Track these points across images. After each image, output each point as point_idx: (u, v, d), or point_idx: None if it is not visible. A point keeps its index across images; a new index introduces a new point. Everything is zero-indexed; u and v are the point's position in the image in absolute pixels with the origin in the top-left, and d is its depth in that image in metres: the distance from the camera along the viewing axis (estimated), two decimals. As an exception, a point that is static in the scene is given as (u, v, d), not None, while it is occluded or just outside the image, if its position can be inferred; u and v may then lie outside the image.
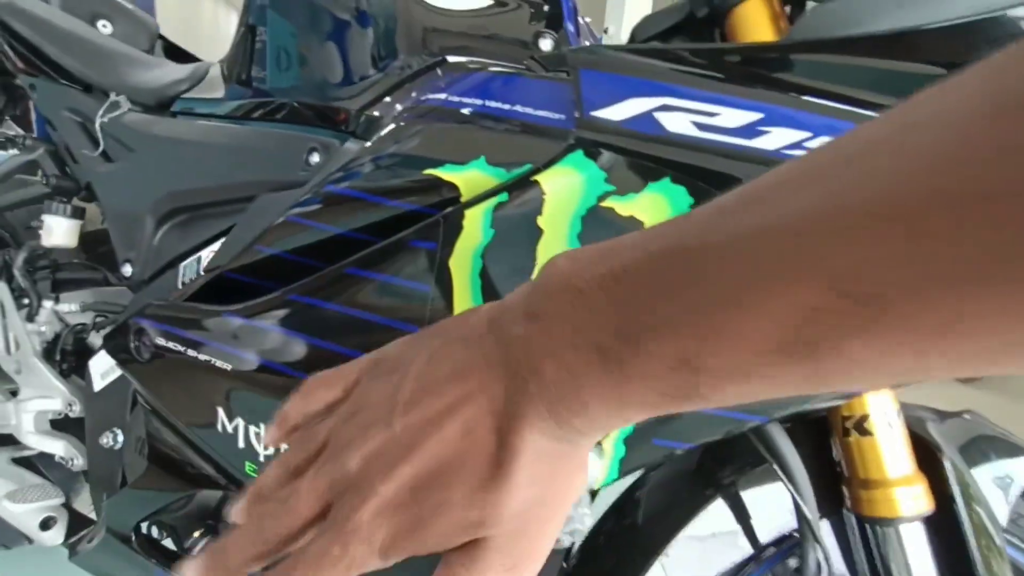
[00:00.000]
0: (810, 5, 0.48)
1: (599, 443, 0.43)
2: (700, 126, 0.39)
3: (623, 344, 0.20)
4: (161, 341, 0.57)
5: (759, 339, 0.18)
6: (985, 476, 0.54)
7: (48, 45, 0.83)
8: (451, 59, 0.55)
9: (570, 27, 0.57)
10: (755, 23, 0.51)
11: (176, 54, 1.14)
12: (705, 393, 0.20)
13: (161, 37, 1.14)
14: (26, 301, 0.82)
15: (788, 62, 0.39)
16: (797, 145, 0.38)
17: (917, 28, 0.36)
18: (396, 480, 0.23)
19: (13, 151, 0.88)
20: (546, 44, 0.55)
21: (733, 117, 0.39)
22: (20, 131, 1.05)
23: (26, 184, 0.88)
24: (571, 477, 0.25)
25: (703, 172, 0.39)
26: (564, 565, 0.57)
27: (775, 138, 0.38)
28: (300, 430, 0.30)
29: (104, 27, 1.03)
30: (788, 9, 0.54)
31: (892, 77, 0.38)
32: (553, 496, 0.24)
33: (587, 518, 0.33)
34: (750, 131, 0.38)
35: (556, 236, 0.42)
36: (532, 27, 0.56)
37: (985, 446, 0.56)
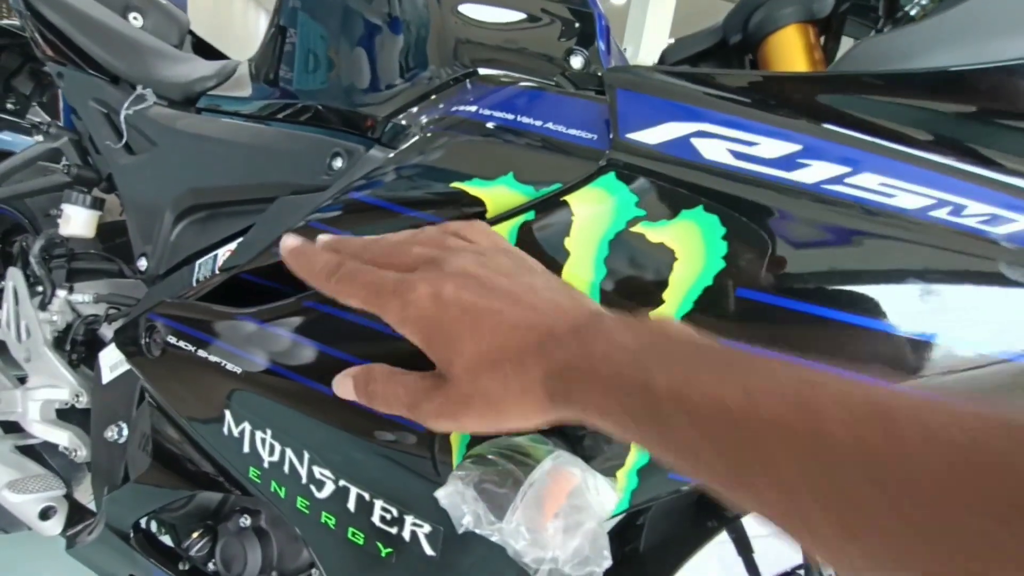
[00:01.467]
0: (851, 40, 0.48)
1: (613, 474, 0.42)
2: (737, 155, 0.38)
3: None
4: (172, 339, 0.57)
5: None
6: None
7: (78, 34, 0.83)
8: (482, 71, 0.55)
9: (602, 46, 0.56)
10: (789, 52, 0.50)
11: (206, 51, 1.15)
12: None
13: (191, 33, 1.15)
14: (40, 289, 0.82)
15: (832, 94, 0.38)
16: (837, 180, 0.37)
17: (966, 67, 0.35)
18: (473, 269, 0.34)
19: (38, 137, 0.88)
20: (577, 61, 0.54)
21: (772, 148, 0.38)
22: (47, 118, 1.05)
23: (48, 172, 0.88)
24: (523, 406, 0.31)
25: (738, 202, 0.38)
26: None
27: (814, 172, 0.37)
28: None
29: (135, 20, 1.03)
30: (823, 39, 0.54)
31: (938, 116, 0.36)
32: (505, 405, 0.32)
33: (605, 561, 0.32)
34: (789, 163, 0.37)
35: (583, 258, 0.41)
36: (564, 44, 0.55)
37: None
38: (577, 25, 0.56)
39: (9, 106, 1.16)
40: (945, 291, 0.35)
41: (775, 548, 0.52)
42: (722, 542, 0.56)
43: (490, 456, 0.36)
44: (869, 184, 0.36)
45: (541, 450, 0.37)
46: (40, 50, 0.85)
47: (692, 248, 0.38)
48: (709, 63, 0.59)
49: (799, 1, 0.50)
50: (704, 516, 0.56)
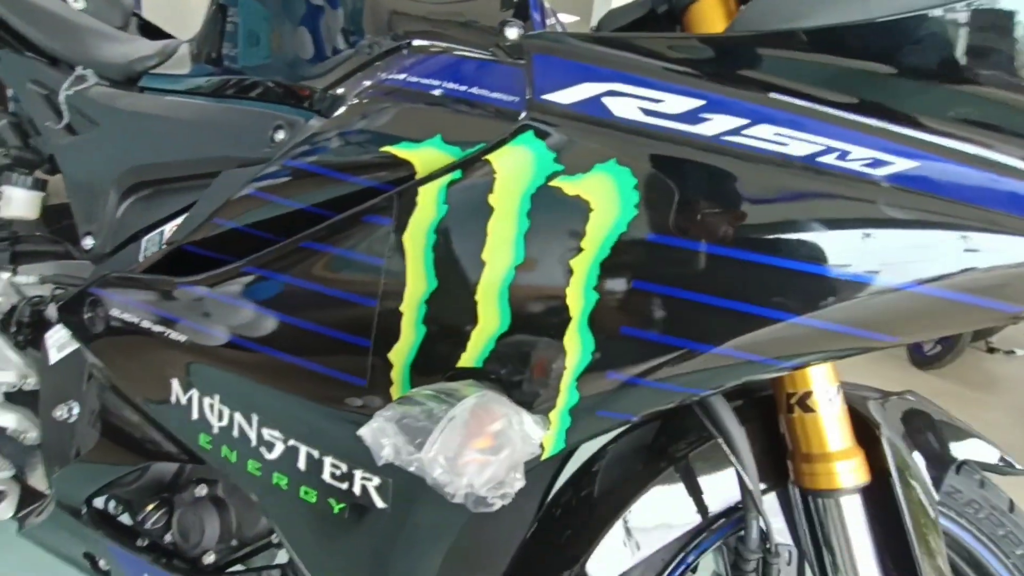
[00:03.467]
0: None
1: (545, 414, 0.44)
2: (645, 111, 0.41)
3: None
4: (116, 312, 0.58)
5: None
6: (922, 452, 0.56)
7: (12, 16, 0.82)
8: (416, 43, 0.56)
9: (536, 16, 0.58)
10: (710, 18, 0.52)
11: (152, 32, 1.13)
12: None
13: (136, 15, 1.13)
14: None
15: (729, 53, 0.41)
16: (735, 131, 0.39)
17: (848, 24, 0.38)
18: None
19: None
20: (512, 32, 0.56)
21: (677, 103, 0.41)
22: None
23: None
24: None
25: (647, 154, 0.41)
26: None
27: (715, 124, 0.40)
28: None
29: (75, 2, 1.01)
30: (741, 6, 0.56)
31: (824, 70, 0.40)
32: None
33: (518, 482, 0.35)
34: (692, 117, 0.40)
35: (507, 213, 0.43)
36: (499, 15, 0.57)
37: (923, 424, 0.59)
38: None
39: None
40: (834, 228, 0.38)
41: (722, 485, 0.55)
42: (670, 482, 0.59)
43: (418, 397, 0.38)
44: (764, 135, 0.39)
45: (470, 391, 0.40)
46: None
47: (607, 198, 0.41)
48: (644, 29, 0.62)
49: None
50: (656, 458, 0.59)
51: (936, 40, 0.38)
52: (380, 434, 0.35)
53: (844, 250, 0.38)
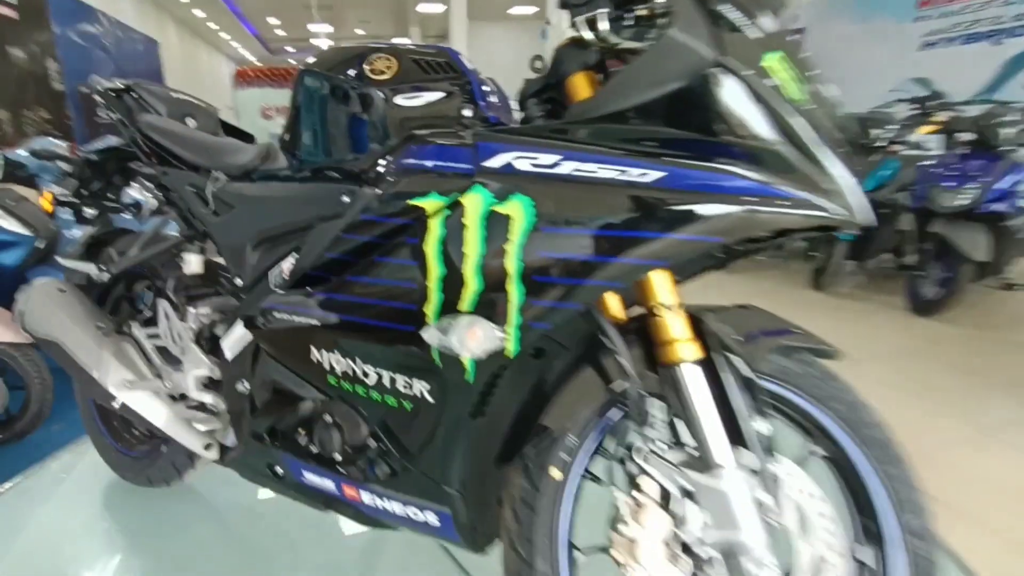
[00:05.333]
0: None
1: (502, 327, 0.84)
2: (533, 164, 0.80)
3: None
4: (277, 315, 1.01)
5: None
6: (748, 339, 0.91)
7: (168, 142, 1.28)
8: (417, 133, 0.97)
9: (480, 102, 0.98)
10: (579, 88, 0.91)
11: (230, 130, 1.59)
12: None
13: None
14: (178, 310, 1.27)
15: (568, 130, 0.80)
16: (578, 169, 0.78)
17: (625, 108, 0.77)
18: None
19: (155, 218, 1.34)
20: (468, 112, 0.96)
21: (547, 159, 0.79)
22: (138, 199, 1.51)
23: (163, 239, 1.34)
24: None
25: (535, 188, 0.80)
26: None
27: (565, 167, 0.78)
28: None
29: (191, 121, 1.48)
30: (601, 77, 0.94)
31: (617, 131, 0.78)
32: None
33: (487, 349, 0.75)
34: (554, 165, 0.79)
35: (472, 227, 0.83)
36: (458, 105, 0.98)
37: (755, 322, 0.92)
38: (462, 92, 0.98)
39: (110, 195, 1.63)
40: (624, 215, 0.76)
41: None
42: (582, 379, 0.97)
43: (443, 322, 0.80)
44: (591, 169, 0.78)
45: (466, 318, 0.80)
46: (147, 160, 1.30)
47: (519, 213, 0.80)
48: (545, 94, 0.99)
49: (575, 60, 0.91)
50: (572, 365, 0.94)
51: (672, 106, 0.76)
52: (431, 336, 0.77)
53: (637, 219, 0.76)
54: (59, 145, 2.90)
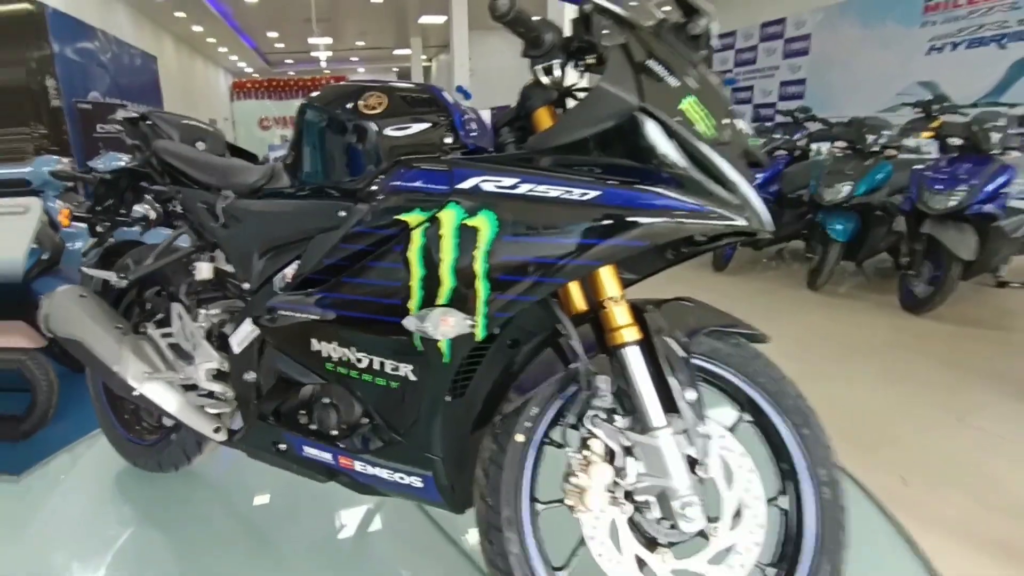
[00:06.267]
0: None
1: (472, 315, 1.02)
2: (497, 186, 0.99)
3: None
4: (282, 312, 1.19)
5: None
6: (680, 324, 1.10)
7: (182, 165, 1.46)
8: (404, 158, 1.15)
9: (460, 131, 1.17)
10: (543, 121, 1.10)
11: (235, 150, 1.76)
12: None
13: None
14: (190, 311, 1.44)
15: (529, 159, 0.99)
16: (532, 190, 0.97)
17: (573, 140, 0.96)
18: None
19: (172, 231, 1.51)
20: (449, 139, 1.15)
21: (508, 181, 0.98)
22: (145, 212, 1.68)
23: (175, 250, 1.51)
24: None
25: (499, 205, 0.98)
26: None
27: (524, 188, 0.97)
28: None
29: (201, 145, 1.66)
30: (560, 111, 1.13)
31: (568, 160, 0.97)
32: None
33: (457, 332, 0.94)
34: (514, 186, 0.98)
35: (448, 237, 1.01)
36: (441, 134, 1.17)
37: (688, 311, 1.11)
38: (445, 121, 1.17)
39: (121, 211, 1.80)
40: (569, 226, 0.95)
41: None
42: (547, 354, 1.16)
43: (420, 312, 0.98)
44: (543, 190, 0.97)
45: (440, 310, 0.99)
46: (161, 181, 1.47)
47: (485, 225, 0.99)
48: (516, 123, 1.18)
49: (538, 97, 1.10)
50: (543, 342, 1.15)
51: (611, 139, 0.95)
52: (410, 324, 0.94)
53: (579, 228, 0.95)
54: (66, 164, 3.06)
